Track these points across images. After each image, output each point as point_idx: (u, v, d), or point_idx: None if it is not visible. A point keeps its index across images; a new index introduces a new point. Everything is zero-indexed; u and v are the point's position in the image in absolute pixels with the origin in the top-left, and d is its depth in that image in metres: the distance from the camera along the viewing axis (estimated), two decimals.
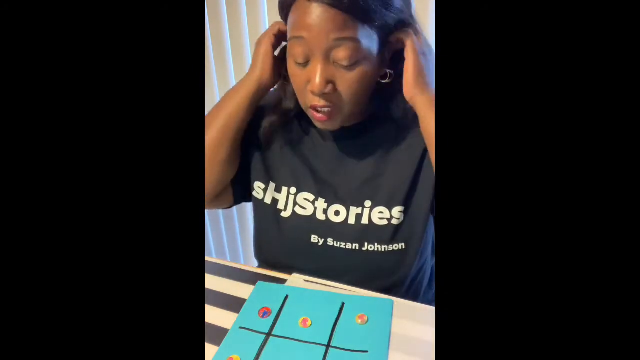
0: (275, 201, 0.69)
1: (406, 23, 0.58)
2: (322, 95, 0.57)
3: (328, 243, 0.66)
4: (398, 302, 0.60)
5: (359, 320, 0.56)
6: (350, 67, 0.56)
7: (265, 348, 0.52)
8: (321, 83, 0.55)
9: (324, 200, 0.67)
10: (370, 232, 0.65)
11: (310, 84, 0.57)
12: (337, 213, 0.66)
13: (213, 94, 1.63)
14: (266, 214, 0.71)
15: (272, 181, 0.70)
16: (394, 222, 0.64)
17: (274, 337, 0.54)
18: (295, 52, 0.57)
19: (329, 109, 0.59)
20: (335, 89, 0.57)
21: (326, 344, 0.53)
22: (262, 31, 1.42)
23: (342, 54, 0.54)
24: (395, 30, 0.58)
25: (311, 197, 0.68)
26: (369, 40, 0.55)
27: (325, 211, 0.67)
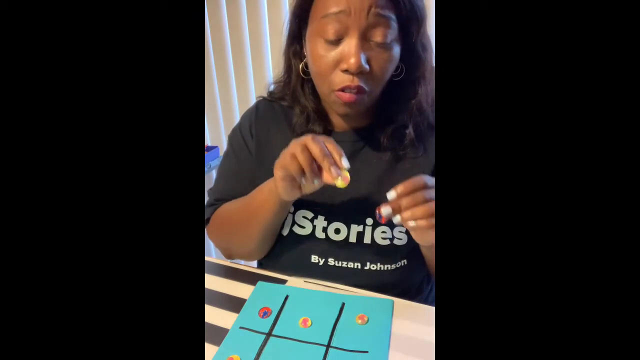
0: None
1: (421, 21, 0.58)
2: (357, 74, 0.56)
3: (329, 263, 0.64)
4: (398, 302, 0.60)
5: (359, 321, 0.56)
6: (385, 46, 0.56)
7: (265, 348, 0.52)
8: (360, 59, 0.54)
9: (323, 217, 0.65)
10: (373, 252, 0.63)
11: (345, 62, 0.55)
12: (337, 231, 0.64)
13: (213, 94, 1.63)
14: None
15: None
16: (396, 242, 0.63)
17: (274, 337, 0.54)
18: (328, 30, 0.55)
19: (359, 89, 0.57)
20: (370, 68, 0.56)
21: (326, 344, 0.53)
22: (262, 31, 1.44)
23: (379, 31, 0.54)
24: (410, 24, 0.58)
25: (310, 214, 0.65)
26: (397, 25, 0.56)
27: (324, 229, 0.64)
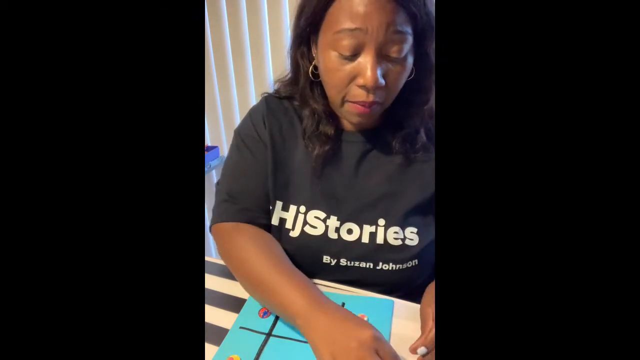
0: (282, 221, 0.66)
1: (429, 31, 0.58)
2: (374, 89, 0.56)
3: (341, 263, 0.64)
4: (398, 302, 0.60)
5: None
6: (401, 60, 0.55)
7: (265, 348, 0.52)
8: (377, 77, 0.54)
9: (336, 218, 0.65)
10: (385, 251, 0.63)
11: (361, 77, 0.55)
12: (349, 231, 0.64)
13: (213, 94, 1.63)
14: (273, 234, 0.67)
15: (279, 200, 0.67)
16: (408, 242, 0.63)
17: (274, 337, 0.54)
18: (343, 45, 0.54)
19: (373, 102, 0.57)
20: (385, 82, 0.56)
21: None
22: (262, 31, 1.44)
23: (396, 47, 0.54)
24: (425, 33, 0.57)
25: (322, 215, 0.65)
26: (412, 37, 0.56)
27: (337, 230, 0.64)
